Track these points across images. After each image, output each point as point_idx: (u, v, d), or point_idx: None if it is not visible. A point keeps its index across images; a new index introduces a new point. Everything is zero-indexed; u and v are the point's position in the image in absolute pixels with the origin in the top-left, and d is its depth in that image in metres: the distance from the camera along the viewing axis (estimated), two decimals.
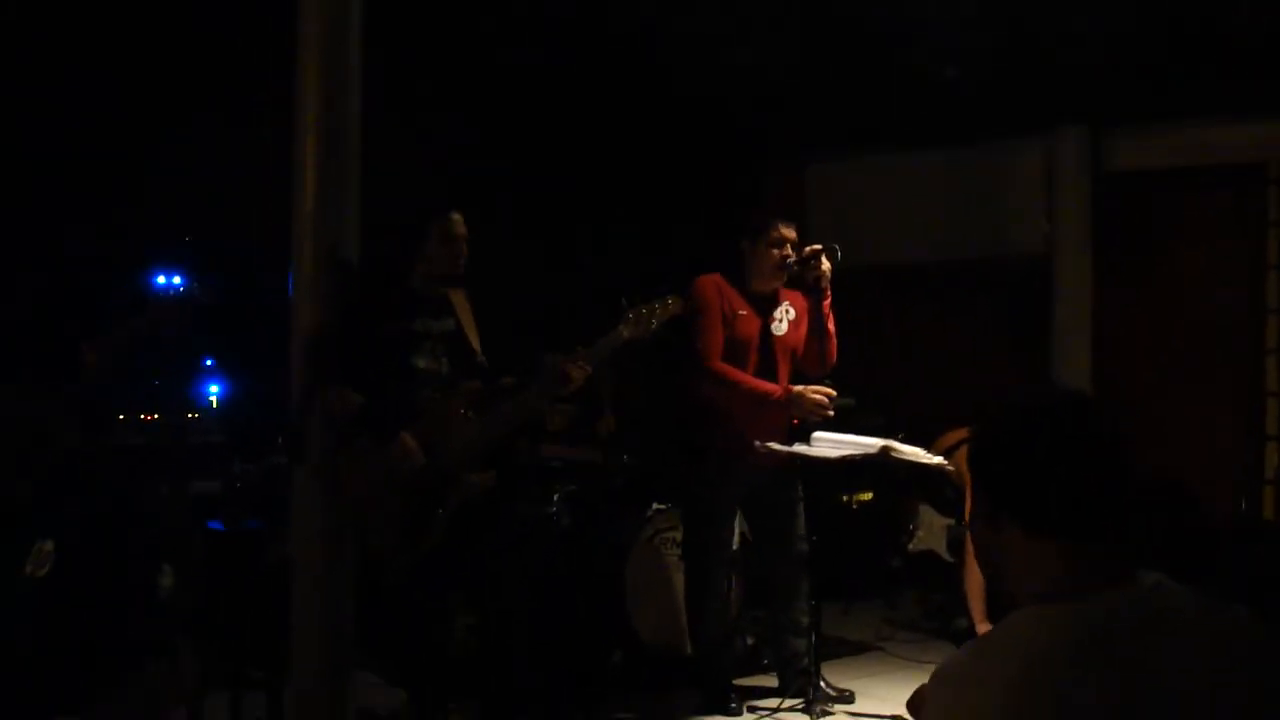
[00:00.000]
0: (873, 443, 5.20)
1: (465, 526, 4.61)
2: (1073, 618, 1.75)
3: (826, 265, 5.30)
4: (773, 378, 5.44)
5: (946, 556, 6.87)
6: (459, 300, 4.84)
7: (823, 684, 5.38)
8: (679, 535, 6.00)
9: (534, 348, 4.85)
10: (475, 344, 4.81)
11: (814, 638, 5.35)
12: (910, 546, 7.01)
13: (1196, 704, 1.69)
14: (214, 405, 6.28)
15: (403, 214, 4.88)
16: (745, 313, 5.40)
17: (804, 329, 5.51)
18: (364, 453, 4.55)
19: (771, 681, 5.73)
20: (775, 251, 5.38)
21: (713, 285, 5.39)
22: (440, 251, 4.73)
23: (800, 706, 5.36)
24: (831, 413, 5.33)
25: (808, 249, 5.34)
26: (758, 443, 5.17)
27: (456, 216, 4.73)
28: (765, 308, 5.48)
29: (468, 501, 4.59)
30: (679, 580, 5.90)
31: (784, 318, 5.52)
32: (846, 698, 5.44)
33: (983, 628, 5.97)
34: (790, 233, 5.43)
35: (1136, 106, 7.70)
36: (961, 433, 5.94)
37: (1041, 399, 1.97)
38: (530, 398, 4.71)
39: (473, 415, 4.65)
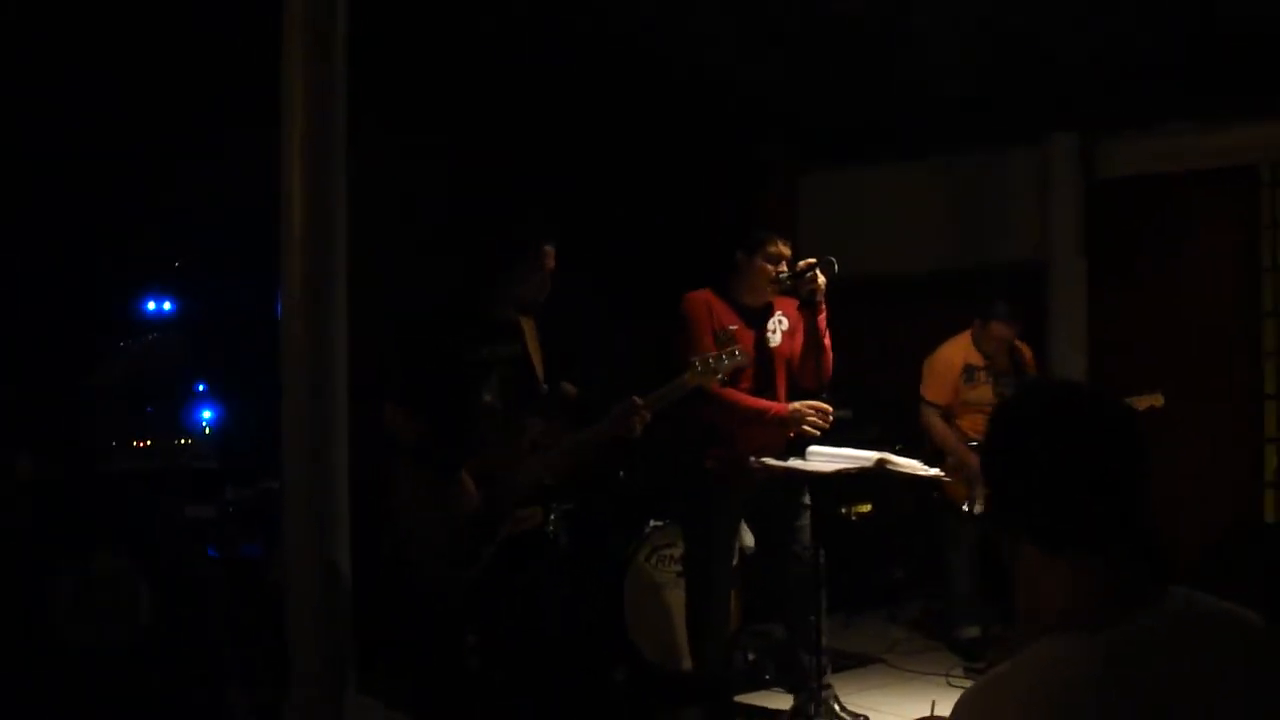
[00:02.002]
0: (868, 456, 5.15)
1: (505, 556, 4.65)
2: (1092, 649, 1.65)
3: (822, 279, 5.15)
4: (770, 390, 5.36)
5: None
6: (528, 326, 4.86)
7: (837, 707, 5.30)
8: (677, 552, 5.97)
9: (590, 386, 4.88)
10: (539, 371, 4.83)
11: (821, 652, 5.29)
12: (978, 509, 6.78)
13: None
14: (207, 431, 6.26)
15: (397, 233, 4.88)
16: (736, 327, 5.27)
17: (799, 338, 5.40)
18: (417, 484, 4.58)
19: (773, 698, 5.70)
20: (770, 266, 5.27)
21: (702, 302, 5.28)
22: (532, 281, 4.76)
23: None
24: (827, 427, 5.28)
25: (802, 263, 5.20)
26: (752, 459, 5.10)
27: (550, 249, 4.77)
28: (757, 320, 5.38)
29: (513, 536, 4.64)
30: (678, 597, 5.86)
31: (777, 328, 5.42)
32: None
33: None
34: (785, 249, 5.33)
35: (1127, 113, 7.71)
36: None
37: (1047, 399, 1.83)
38: (591, 438, 4.73)
39: (533, 453, 4.67)
